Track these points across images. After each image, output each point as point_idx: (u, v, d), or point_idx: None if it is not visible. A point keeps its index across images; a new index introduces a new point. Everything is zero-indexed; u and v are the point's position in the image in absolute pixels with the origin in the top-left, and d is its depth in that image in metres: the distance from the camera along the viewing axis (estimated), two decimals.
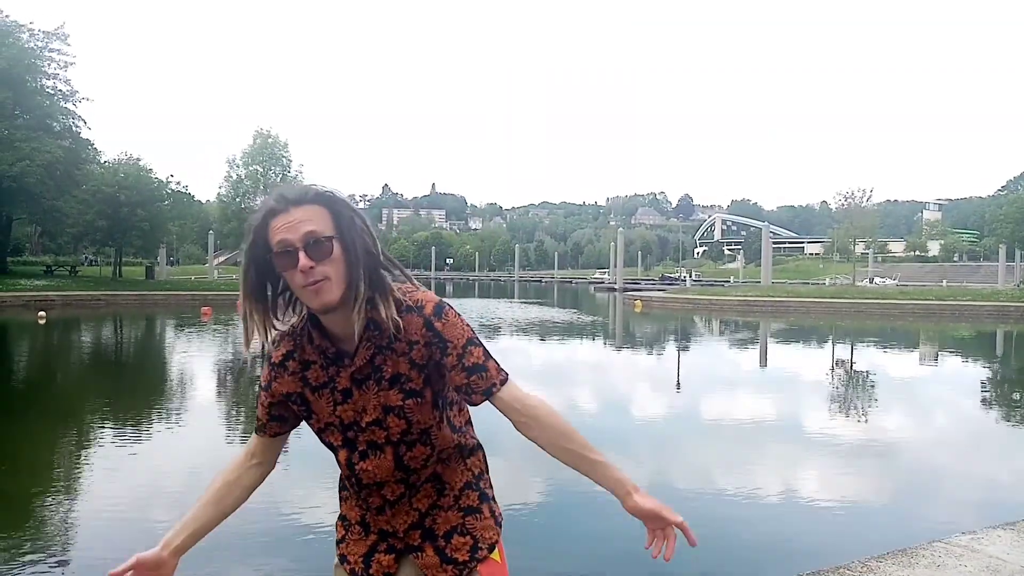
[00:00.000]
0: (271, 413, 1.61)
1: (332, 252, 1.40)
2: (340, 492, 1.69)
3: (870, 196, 55.57)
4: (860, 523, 5.68)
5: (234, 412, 10.43)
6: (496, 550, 1.62)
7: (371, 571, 1.60)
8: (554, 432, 1.51)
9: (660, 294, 46.31)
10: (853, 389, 13.54)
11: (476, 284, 77.56)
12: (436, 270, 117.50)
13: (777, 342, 23.85)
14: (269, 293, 1.50)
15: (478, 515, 1.61)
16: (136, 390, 12.31)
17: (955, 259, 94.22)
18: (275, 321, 1.52)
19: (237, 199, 57.60)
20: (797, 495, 6.47)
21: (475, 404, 1.53)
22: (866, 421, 10.25)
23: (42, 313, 24.74)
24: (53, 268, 45.13)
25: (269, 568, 4.77)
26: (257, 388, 1.61)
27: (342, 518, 1.68)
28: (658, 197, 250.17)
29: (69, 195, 38.96)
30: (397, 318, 1.45)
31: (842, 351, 20.70)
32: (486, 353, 1.51)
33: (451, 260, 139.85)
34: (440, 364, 1.49)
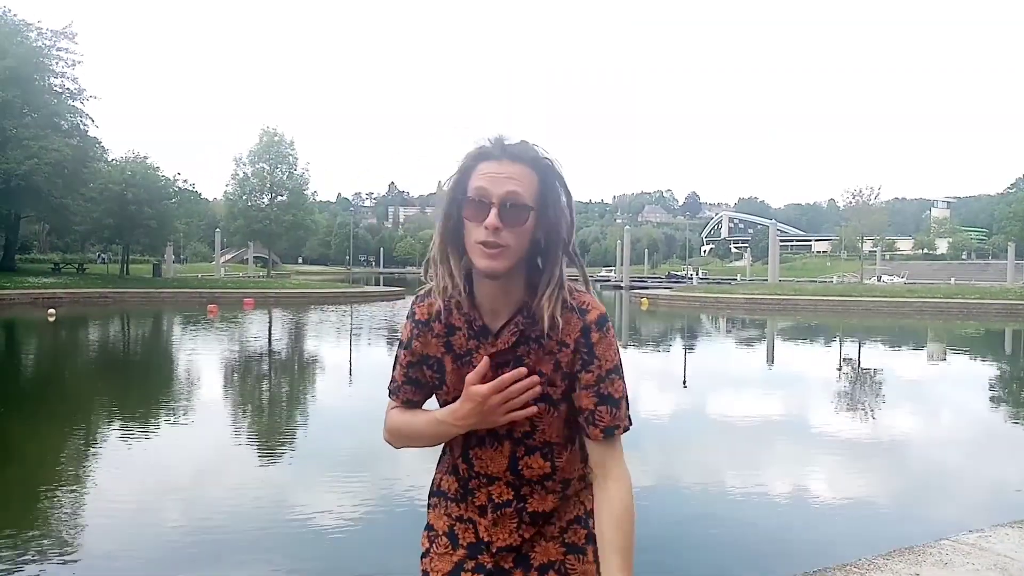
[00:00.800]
0: (408, 374, 1.45)
1: (525, 223, 1.29)
2: (430, 498, 1.54)
3: (878, 194, 55.51)
4: (867, 521, 5.66)
5: (240, 409, 10.46)
6: None
7: None
8: (619, 526, 1.34)
9: (667, 292, 46.23)
10: (860, 387, 13.50)
11: None
12: None
13: (784, 340, 23.80)
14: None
15: (581, 556, 1.44)
16: (144, 388, 12.36)
17: (963, 257, 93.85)
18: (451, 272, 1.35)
19: (244, 197, 57.71)
20: (804, 493, 6.45)
21: (589, 437, 1.37)
22: (874, 419, 10.22)
23: (52, 310, 24.84)
24: (61, 266, 45.30)
25: (278, 569, 4.77)
26: (396, 346, 1.49)
27: (428, 528, 1.52)
28: (665, 195, 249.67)
29: (77, 193, 39.11)
30: (558, 317, 1.32)
31: (849, 349, 20.64)
32: (625, 391, 1.38)
33: None
34: (577, 378, 1.36)
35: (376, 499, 6.05)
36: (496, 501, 1.43)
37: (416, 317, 1.43)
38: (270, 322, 25.74)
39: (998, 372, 16.06)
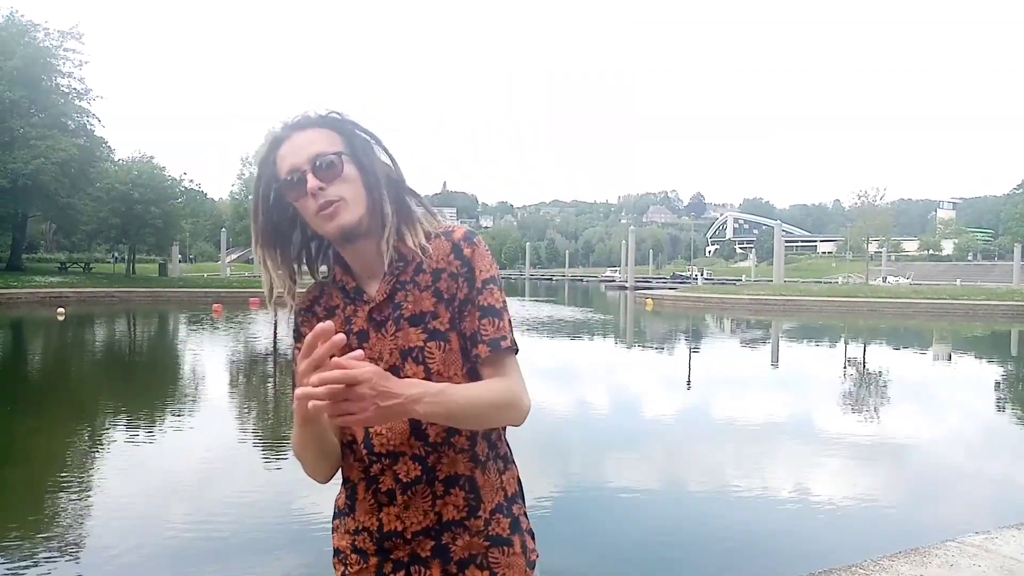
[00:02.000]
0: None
1: (343, 171, 1.26)
2: (333, 520, 1.42)
3: (884, 194, 55.30)
4: (873, 522, 5.66)
5: (245, 409, 10.49)
6: None
7: None
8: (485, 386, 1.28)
9: (671, 292, 46.17)
10: (866, 389, 13.47)
11: None
12: None
13: (789, 341, 23.75)
14: (297, 240, 1.35)
15: (506, 548, 1.32)
16: (151, 387, 12.40)
17: (969, 258, 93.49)
18: (297, 270, 1.35)
19: (250, 197, 57.72)
20: (809, 494, 6.44)
21: (479, 356, 1.27)
22: (879, 420, 10.20)
23: (61, 309, 24.95)
24: (67, 265, 45.47)
25: (284, 569, 4.78)
26: (291, 347, 1.46)
27: (336, 553, 1.39)
28: (670, 195, 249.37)
29: (83, 193, 39.27)
30: (426, 244, 1.29)
31: (855, 350, 20.59)
32: (506, 305, 1.31)
33: None
34: (466, 301, 1.29)
35: None
36: (404, 480, 1.29)
37: (300, 307, 1.39)
38: (275, 322, 25.79)
39: (1004, 373, 16.01)
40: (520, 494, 1.41)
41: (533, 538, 1.39)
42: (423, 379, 1.24)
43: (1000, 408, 11.77)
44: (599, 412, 9.76)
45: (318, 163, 1.24)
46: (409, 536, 1.30)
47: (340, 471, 1.38)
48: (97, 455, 7.58)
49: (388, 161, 1.33)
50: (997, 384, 14.24)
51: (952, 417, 10.62)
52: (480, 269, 1.29)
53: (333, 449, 1.34)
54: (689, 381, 13.52)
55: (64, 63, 41.06)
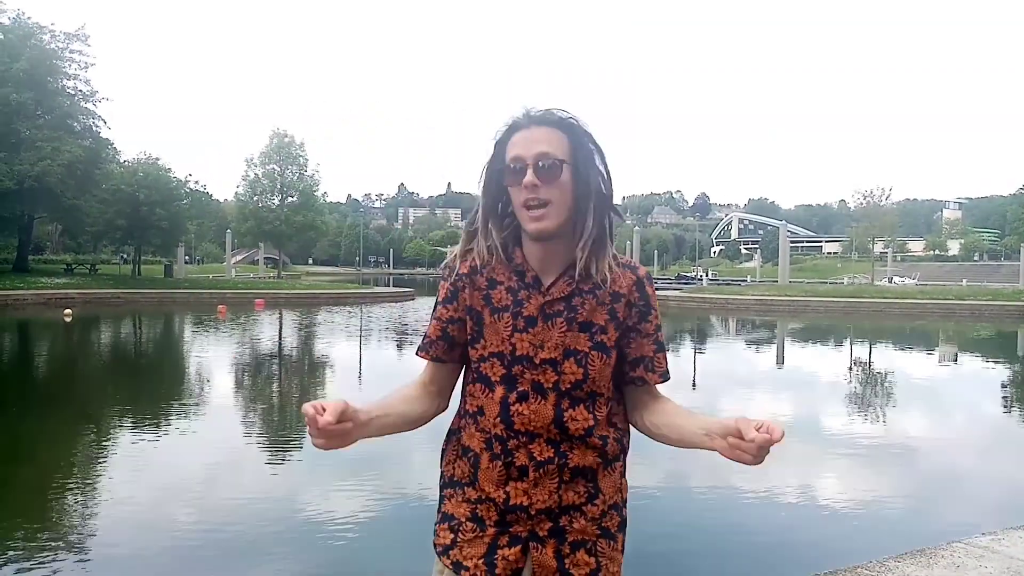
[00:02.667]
0: (446, 330, 1.47)
1: (560, 176, 1.37)
2: (443, 491, 1.51)
3: (889, 195, 55.24)
4: (878, 523, 5.64)
5: (251, 410, 10.51)
6: None
7: (497, 571, 1.39)
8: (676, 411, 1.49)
9: (676, 293, 46.08)
10: (871, 389, 13.43)
11: None
12: None
13: (794, 342, 23.71)
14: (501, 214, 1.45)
15: (612, 542, 1.45)
16: (158, 388, 12.43)
17: (975, 258, 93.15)
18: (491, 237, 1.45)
19: (255, 198, 57.90)
20: (814, 495, 6.43)
21: (648, 383, 1.48)
22: (885, 421, 10.17)
23: (68, 311, 25.00)
24: (73, 266, 45.59)
25: (288, 570, 4.79)
26: (433, 306, 1.52)
27: (446, 519, 1.47)
28: (674, 196, 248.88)
29: (89, 194, 39.33)
30: (607, 275, 1.41)
31: (860, 351, 20.54)
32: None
33: None
34: (635, 329, 1.46)
35: (387, 500, 6.07)
36: (538, 459, 1.39)
37: (459, 271, 1.46)
38: (280, 323, 25.83)
39: (1011, 374, 15.95)
40: (626, 504, 1.51)
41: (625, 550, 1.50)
42: (577, 378, 1.39)
43: (1007, 409, 11.72)
44: None
45: (541, 163, 1.35)
46: (533, 512, 1.39)
47: (461, 442, 1.48)
48: (104, 456, 7.61)
49: (604, 174, 1.43)
50: (1004, 385, 14.19)
51: (958, 418, 10.58)
52: (655, 309, 1.49)
53: (400, 423, 1.44)
54: (694, 382, 13.49)
55: (70, 65, 41.13)
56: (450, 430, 1.55)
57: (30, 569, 4.52)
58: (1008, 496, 6.58)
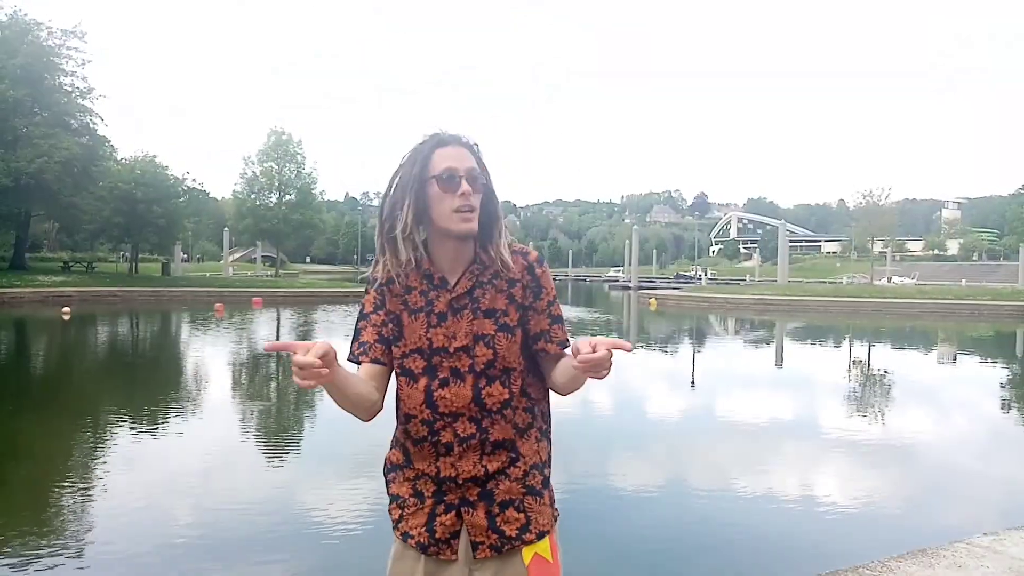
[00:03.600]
0: (381, 334, 1.67)
1: (483, 188, 1.63)
2: (387, 475, 1.74)
3: (888, 194, 55.20)
4: (879, 523, 5.59)
5: (248, 409, 10.46)
6: (547, 542, 1.66)
7: (437, 536, 1.62)
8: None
9: (675, 292, 46.13)
10: (871, 389, 13.40)
11: None
12: None
13: (793, 341, 23.68)
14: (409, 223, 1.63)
15: (538, 497, 1.67)
16: (156, 387, 12.39)
17: (974, 258, 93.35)
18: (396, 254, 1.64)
19: (252, 196, 57.94)
20: (815, 495, 6.38)
21: (550, 353, 1.67)
22: (885, 421, 10.13)
23: (66, 309, 24.96)
24: (71, 264, 45.54)
25: (286, 569, 4.74)
26: (358, 317, 1.72)
27: (394, 499, 1.71)
28: (673, 195, 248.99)
29: (86, 192, 39.31)
30: (507, 258, 1.65)
31: (860, 350, 20.52)
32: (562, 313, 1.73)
33: None
34: (530, 308, 1.67)
35: (384, 500, 6.01)
36: (461, 435, 1.61)
37: (380, 281, 1.67)
38: (278, 321, 25.78)
39: (1010, 374, 15.93)
40: (549, 464, 1.75)
41: (554, 503, 1.73)
42: (490, 360, 1.61)
43: (1007, 408, 11.69)
44: (603, 412, 9.70)
45: (473, 175, 1.61)
46: (460, 481, 1.62)
47: (396, 434, 1.72)
48: (101, 454, 7.56)
49: (491, 183, 1.68)
50: (1003, 384, 14.16)
51: (959, 417, 10.55)
52: (547, 288, 1.70)
53: (359, 399, 1.57)
54: (693, 381, 13.46)
55: (67, 62, 41.08)
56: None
57: (26, 567, 4.48)
58: (1009, 496, 6.54)
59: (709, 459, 7.81)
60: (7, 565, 4.49)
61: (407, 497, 1.67)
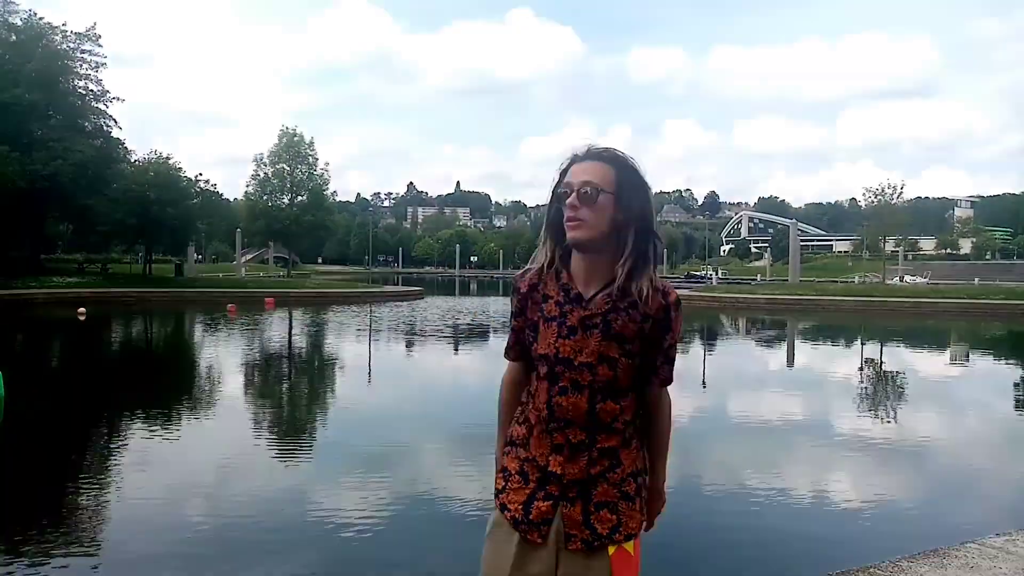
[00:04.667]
0: (519, 338, 1.87)
1: (596, 201, 1.69)
2: (506, 447, 1.89)
3: (900, 193, 54.72)
4: (891, 523, 5.60)
5: (261, 409, 10.54)
6: (633, 543, 1.80)
7: (531, 516, 1.77)
8: (663, 433, 1.92)
9: (686, 292, 45.97)
10: (884, 389, 13.36)
11: (500, 281, 77.56)
12: (460, 268, 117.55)
13: (805, 341, 23.60)
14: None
15: (631, 503, 1.79)
16: (171, 386, 12.48)
17: (987, 257, 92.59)
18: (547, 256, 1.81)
19: (264, 197, 58.13)
20: (827, 494, 6.40)
21: (652, 386, 1.83)
22: (897, 421, 10.11)
23: (82, 309, 25.17)
24: (85, 266, 45.83)
25: (297, 567, 4.79)
26: (509, 316, 1.92)
27: (503, 471, 1.87)
28: (684, 194, 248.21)
29: (100, 194, 39.53)
30: (646, 290, 1.71)
31: (872, 350, 20.43)
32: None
33: (475, 258, 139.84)
34: (654, 343, 1.76)
35: (394, 500, 6.07)
36: (573, 441, 1.76)
37: (521, 290, 1.84)
38: (290, 322, 25.91)
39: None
40: (646, 472, 1.89)
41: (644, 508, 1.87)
42: (608, 378, 1.73)
43: (1020, 409, 11.63)
44: None
45: (583, 190, 1.70)
46: (565, 481, 1.76)
47: (524, 411, 1.86)
48: (117, 453, 7.64)
49: (648, 206, 1.76)
50: (1016, 384, 14.08)
51: (972, 418, 10.51)
52: (674, 330, 1.78)
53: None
54: (704, 381, 13.46)
55: (81, 65, 41.39)
56: (523, 400, 1.89)
57: (41, 565, 4.55)
58: (1022, 497, 6.52)
59: (720, 458, 7.83)
60: (23, 563, 4.56)
61: (514, 473, 1.83)
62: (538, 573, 1.76)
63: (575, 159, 1.76)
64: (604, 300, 1.73)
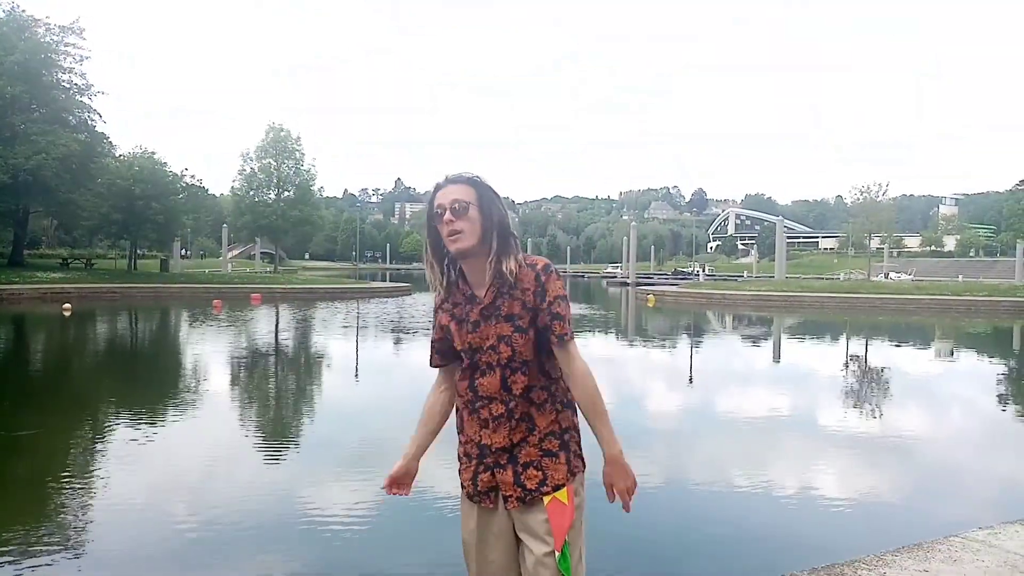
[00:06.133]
0: (436, 347, 2.21)
1: (468, 212, 2.00)
2: (459, 436, 2.20)
3: (886, 190, 55.14)
4: (875, 518, 5.64)
5: (247, 405, 10.49)
6: (565, 491, 2.04)
7: (479, 488, 2.10)
8: (584, 393, 2.05)
9: (673, 288, 46.15)
10: (868, 384, 13.45)
11: None
12: None
13: (791, 337, 23.73)
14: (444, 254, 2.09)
15: (554, 458, 2.06)
16: (157, 383, 12.40)
17: (971, 254, 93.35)
18: (442, 275, 2.12)
19: (251, 192, 57.77)
20: (811, 489, 6.43)
21: (552, 345, 2.03)
22: (881, 416, 10.18)
23: (67, 305, 24.97)
24: (69, 261, 45.47)
25: (285, 565, 4.78)
26: (430, 332, 2.22)
27: (458, 456, 2.19)
28: (671, 191, 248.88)
29: (84, 188, 39.23)
30: (515, 270, 2.01)
31: (856, 346, 20.57)
32: (568, 312, 2.04)
33: None
34: (538, 308, 2.01)
35: (383, 497, 6.04)
36: (495, 414, 2.07)
37: (437, 305, 2.19)
38: (277, 317, 25.79)
39: (1007, 369, 15.99)
40: (575, 429, 2.14)
41: (583, 461, 2.14)
42: (509, 355, 2.03)
43: (1003, 404, 11.74)
44: None
45: (454, 205, 2.01)
46: (494, 449, 2.07)
47: (457, 406, 2.20)
48: (100, 451, 7.58)
49: (503, 211, 2.06)
50: (999, 380, 14.22)
51: (955, 413, 10.60)
52: (552, 290, 2.02)
53: (438, 427, 2.29)
54: (691, 377, 13.50)
55: (65, 58, 41.00)
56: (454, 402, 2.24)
57: (26, 564, 4.50)
58: (1005, 491, 6.59)
59: (707, 454, 7.85)
60: (8, 562, 4.52)
61: (462, 456, 2.17)
62: (499, 530, 2.09)
63: (438, 187, 2.06)
64: (491, 292, 2.04)
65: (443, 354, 2.20)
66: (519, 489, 2.04)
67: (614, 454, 2.05)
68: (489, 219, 2.01)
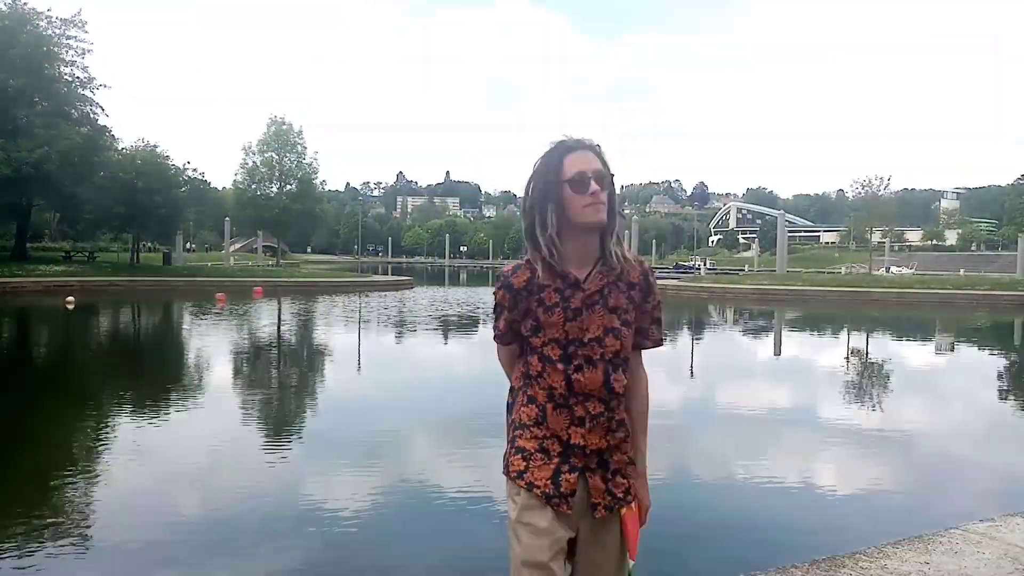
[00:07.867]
0: (512, 327, 1.96)
1: (610, 186, 1.87)
2: (513, 431, 1.96)
3: (887, 184, 54.96)
4: (876, 510, 5.68)
5: (251, 398, 10.52)
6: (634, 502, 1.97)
7: (561, 490, 1.86)
8: (642, 403, 2.00)
9: (674, 282, 46.07)
10: (869, 378, 13.48)
11: (490, 271, 77.50)
12: (450, 257, 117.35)
13: (792, 331, 23.74)
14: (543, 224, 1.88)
15: (633, 467, 1.97)
16: (161, 376, 12.44)
17: (973, 248, 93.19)
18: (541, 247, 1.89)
19: (253, 186, 57.66)
20: (813, 481, 6.47)
21: (642, 347, 1.99)
22: (883, 409, 10.22)
23: (71, 298, 24.97)
24: (72, 254, 45.43)
25: (288, 558, 4.82)
26: (494, 307, 1.99)
27: (518, 451, 1.92)
28: (673, 185, 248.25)
29: (87, 182, 39.10)
30: (630, 259, 1.92)
31: (858, 340, 20.58)
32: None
33: (465, 247, 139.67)
34: (641, 308, 1.94)
35: (386, 490, 6.09)
36: (592, 412, 1.87)
37: (515, 287, 1.91)
38: (279, 311, 25.82)
39: (1008, 363, 16.01)
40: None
41: None
42: (616, 348, 1.88)
43: (1004, 397, 11.77)
44: None
45: (600, 175, 1.85)
46: (588, 451, 1.88)
47: (528, 394, 1.93)
48: (104, 443, 7.62)
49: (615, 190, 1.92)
50: (1001, 374, 14.24)
51: (956, 406, 10.64)
52: (654, 293, 1.97)
53: None
54: (692, 370, 13.54)
55: (67, 51, 40.83)
56: (512, 388, 2.02)
57: (31, 555, 4.54)
58: (1005, 483, 6.62)
59: (708, 447, 7.89)
60: (13, 554, 4.56)
61: (534, 452, 1.90)
62: (561, 537, 1.87)
63: (568, 148, 1.87)
64: (598, 279, 1.88)
65: (516, 335, 1.97)
66: (609, 498, 1.90)
67: (644, 470, 2.01)
68: (614, 196, 1.89)
